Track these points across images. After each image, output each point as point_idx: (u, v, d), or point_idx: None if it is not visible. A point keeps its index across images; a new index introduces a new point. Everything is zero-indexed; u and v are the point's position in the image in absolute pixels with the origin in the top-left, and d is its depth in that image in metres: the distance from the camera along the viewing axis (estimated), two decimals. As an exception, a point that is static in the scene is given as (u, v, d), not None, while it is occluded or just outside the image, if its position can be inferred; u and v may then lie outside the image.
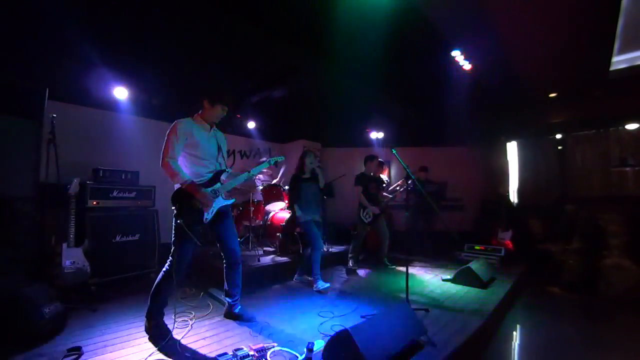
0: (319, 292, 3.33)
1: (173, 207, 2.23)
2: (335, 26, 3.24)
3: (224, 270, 2.55)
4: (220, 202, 2.37)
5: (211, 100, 2.36)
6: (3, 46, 3.20)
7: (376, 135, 6.93)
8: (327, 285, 3.38)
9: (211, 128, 2.43)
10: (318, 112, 6.06)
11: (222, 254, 2.53)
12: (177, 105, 4.34)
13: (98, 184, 3.43)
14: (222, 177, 2.41)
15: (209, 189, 2.29)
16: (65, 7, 2.90)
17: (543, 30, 3.63)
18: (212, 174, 2.36)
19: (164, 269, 2.26)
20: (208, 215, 2.29)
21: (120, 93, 4.19)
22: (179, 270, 2.22)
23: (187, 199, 2.21)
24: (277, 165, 2.75)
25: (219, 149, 2.46)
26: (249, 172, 2.53)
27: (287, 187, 4.82)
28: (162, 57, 3.94)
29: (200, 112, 2.41)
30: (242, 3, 3.13)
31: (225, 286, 2.58)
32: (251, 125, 6.06)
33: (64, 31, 3.22)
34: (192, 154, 2.29)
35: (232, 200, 2.50)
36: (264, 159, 2.69)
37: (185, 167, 2.28)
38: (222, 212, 2.40)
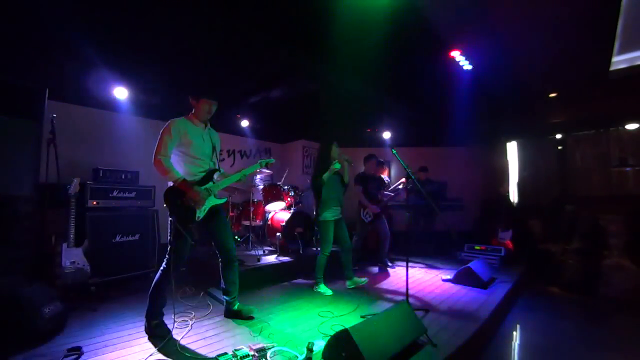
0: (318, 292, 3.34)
1: (165, 205, 2.24)
2: (336, 26, 3.23)
3: (220, 268, 2.56)
4: (213, 201, 2.38)
5: (194, 97, 2.37)
6: (3, 46, 3.20)
7: (376, 135, 6.94)
8: (330, 292, 3.34)
9: (205, 127, 2.44)
10: (318, 112, 6.05)
11: (217, 253, 2.53)
12: (177, 105, 4.33)
13: (98, 184, 3.43)
14: (215, 177, 2.42)
15: (202, 187, 2.29)
16: (65, 6, 2.90)
17: (543, 30, 3.63)
18: (205, 173, 2.37)
19: (161, 268, 2.26)
20: (200, 214, 2.29)
21: (120, 93, 4.18)
22: (176, 268, 2.22)
23: (179, 196, 2.21)
24: (268, 166, 2.74)
25: (213, 148, 2.46)
26: (241, 172, 2.53)
27: (285, 186, 4.85)
28: (163, 56, 3.93)
29: (192, 111, 2.42)
30: (242, 3, 3.13)
31: (222, 284, 2.58)
32: (251, 125, 6.07)
33: (64, 31, 3.21)
34: (185, 152, 2.30)
35: (224, 199, 2.51)
36: (259, 160, 2.70)
37: (179, 166, 2.28)
38: (215, 211, 2.41)
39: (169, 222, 2.23)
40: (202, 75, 4.44)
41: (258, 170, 2.95)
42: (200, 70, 4.35)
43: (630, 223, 4.22)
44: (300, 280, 3.85)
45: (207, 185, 2.33)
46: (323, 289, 3.36)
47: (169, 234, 2.24)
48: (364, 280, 3.57)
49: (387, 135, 6.93)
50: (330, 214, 3.39)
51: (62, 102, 3.86)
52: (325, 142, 3.52)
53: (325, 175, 3.31)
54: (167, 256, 2.24)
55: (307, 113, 6.14)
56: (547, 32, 3.66)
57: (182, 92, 2.48)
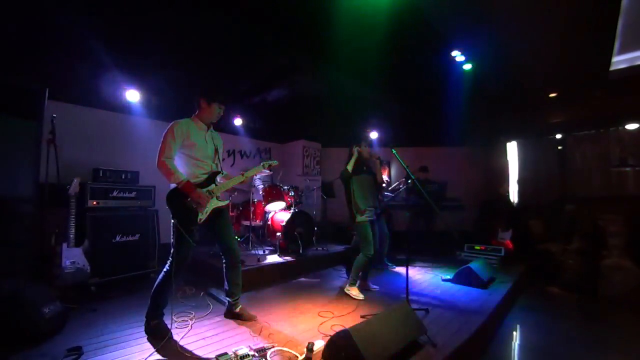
0: (349, 294, 3.18)
1: (168, 207, 2.24)
2: (336, 26, 3.24)
3: (224, 270, 2.55)
4: (215, 203, 2.38)
5: (208, 100, 2.37)
6: (3, 46, 3.20)
7: (376, 135, 6.94)
8: (361, 297, 3.14)
9: (208, 129, 2.44)
10: (318, 112, 6.06)
11: (221, 254, 2.53)
12: (178, 105, 4.34)
13: (98, 184, 3.43)
14: (218, 179, 2.41)
15: (205, 189, 2.30)
16: (66, 6, 2.90)
17: (543, 30, 3.64)
18: (207, 175, 2.36)
19: (164, 269, 2.26)
20: (202, 216, 2.29)
21: (121, 93, 4.19)
22: (179, 270, 2.22)
23: (182, 198, 2.21)
24: (270, 168, 2.71)
25: (216, 150, 2.46)
26: (243, 174, 2.53)
27: (285, 186, 4.85)
28: (164, 57, 3.94)
29: (197, 112, 2.42)
30: (242, 2, 3.13)
31: (226, 286, 2.58)
32: (251, 125, 6.07)
33: (64, 31, 3.22)
34: (188, 154, 2.30)
35: (227, 201, 2.51)
36: (262, 162, 2.68)
37: (181, 168, 2.28)
38: (217, 213, 2.40)
39: (171, 224, 2.23)
40: (203, 75, 4.44)
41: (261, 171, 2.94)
42: (202, 71, 4.36)
43: (630, 223, 4.22)
44: (300, 280, 3.85)
45: (209, 188, 2.33)
46: (355, 292, 3.18)
47: (171, 236, 2.24)
48: (375, 288, 3.45)
49: (386, 134, 6.93)
50: (366, 214, 3.21)
51: (62, 102, 3.86)
52: (353, 143, 3.38)
53: (350, 166, 3.21)
54: (170, 258, 2.24)
55: (307, 113, 6.15)
56: (547, 32, 3.66)
57: (188, 92, 2.48)
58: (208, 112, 2.39)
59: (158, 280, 2.27)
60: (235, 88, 4.93)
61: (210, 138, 2.44)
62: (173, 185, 2.24)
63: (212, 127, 2.48)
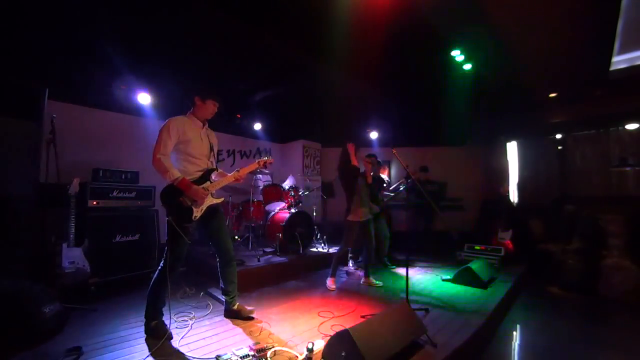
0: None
1: (162, 205, 2.23)
2: (336, 26, 3.24)
3: (218, 268, 2.55)
4: (210, 200, 2.38)
5: (202, 97, 2.38)
6: (3, 46, 3.20)
7: (376, 135, 6.94)
8: (332, 287, 3.49)
9: (203, 126, 2.44)
10: (318, 112, 6.06)
11: (215, 253, 2.53)
12: (177, 105, 4.33)
13: (98, 184, 3.43)
14: (212, 176, 2.41)
15: (200, 186, 2.29)
16: (66, 6, 2.90)
17: (543, 30, 3.64)
18: (202, 172, 2.36)
19: (159, 268, 2.25)
20: (197, 213, 2.29)
21: (121, 93, 4.19)
22: (174, 268, 2.22)
23: (178, 196, 2.21)
24: (265, 165, 2.69)
25: (211, 147, 2.47)
26: (238, 171, 2.53)
27: (286, 186, 4.85)
28: (166, 57, 3.94)
29: (192, 110, 2.42)
30: (242, 2, 3.13)
31: (221, 284, 2.59)
32: (251, 125, 6.07)
33: (64, 31, 3.22)
34: (184, 151, 2.30)
35: (221, 199, 2.51)
36: (261, 159, 2.66)
37: (176, 165, 2.28)
38: (212, 211, 2.40)
39: (166, 221, 2.22)
40: (202, 75, 4.44)
41: (258, 170, 2.92)
42: (201, 70, 4.36)
43: (630, 223, 4.22)
44: (300, 281, 3.85)
45: (204, 185, 2.33)
46: (330, 284, 3.51)
47: (166, 234, 2.23)
48: (379, 282, 3.70)
49: (386, 134, 6.93)
50: (356, 215, 3.48)
51: (62, 102, 3.86)
52: (344, 144, 3.64)
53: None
54: (164, 257, 2.24)
55: (307, 113, 6.15)
56: (547, 32, 3.66)
57: (187, 91, 2.47)
58: (203, 109, 2.39)
59: (153, 279, 2.26)
60: (235, 88, 4.93)
61: (205, 135, 2.44)
62: (168, 182, 2.23)
63: (207, 125, 2.48)
